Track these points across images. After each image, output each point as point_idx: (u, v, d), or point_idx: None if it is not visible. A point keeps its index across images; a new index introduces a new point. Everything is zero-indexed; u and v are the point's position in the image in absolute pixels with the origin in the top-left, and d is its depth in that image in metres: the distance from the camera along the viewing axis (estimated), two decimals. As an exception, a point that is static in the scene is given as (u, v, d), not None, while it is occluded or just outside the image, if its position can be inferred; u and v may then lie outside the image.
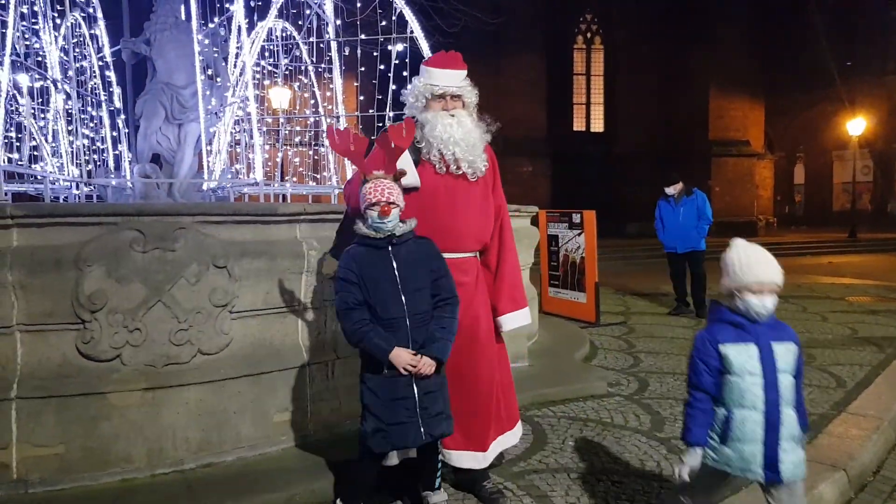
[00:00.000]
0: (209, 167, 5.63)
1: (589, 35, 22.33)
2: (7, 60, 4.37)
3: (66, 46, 5.72)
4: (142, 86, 5.64)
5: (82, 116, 5.82)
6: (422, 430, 2.15)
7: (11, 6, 4.55)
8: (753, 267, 1.85)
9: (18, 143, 5.58)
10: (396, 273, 2.17)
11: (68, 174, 5.40)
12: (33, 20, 5.55)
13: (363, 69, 6.32)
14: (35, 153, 5.70)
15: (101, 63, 5.97)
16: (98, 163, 5.99)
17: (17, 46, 5.06)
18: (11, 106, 5.51)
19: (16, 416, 2.45)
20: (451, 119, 2.49)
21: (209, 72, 5.60)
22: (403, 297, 2.16)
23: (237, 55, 5.66)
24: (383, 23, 5.95)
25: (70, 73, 5.69)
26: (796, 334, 1.93)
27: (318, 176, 8.76)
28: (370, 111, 6.25)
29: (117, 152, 6.05)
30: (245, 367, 2.76)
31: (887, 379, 4.20)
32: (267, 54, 6.93)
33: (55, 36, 5.59)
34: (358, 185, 2.50)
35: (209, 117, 5.34)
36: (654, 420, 3.48)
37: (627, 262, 13.01)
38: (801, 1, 21.00)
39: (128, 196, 5.46)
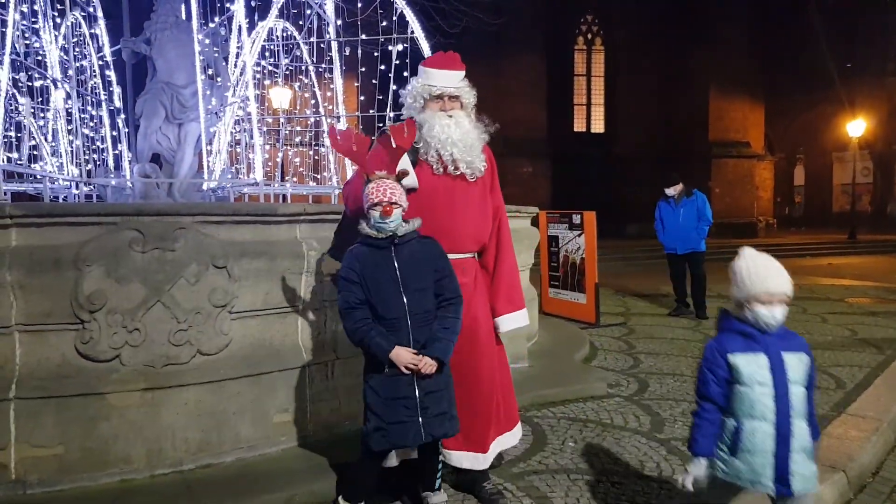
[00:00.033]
0: (209, 167, 5.62)
1: (589, 36, 22.35)
2: (7, 59, 4.37)
3: (66, 45, 5.71)
4: (142, 85, 5.63)
5: (82, 116, 5.81)
6: (422, 430, 2.15)
7: (11, 5, 4.54)
8: (762, 277, 1.82)
9: (18, 143, 5.57)
10: (398, 273, 2.17)
11: (68, 174, 5.39)
12: (33, 19, 5.54)
13: (364, 69, 6.31)
14: (34, 152, 5.69)
15: (101, 62, 5.96)
16: (98, 162, 5.98)
17: (16, 45, 5.05)
18: (11, 105, 5.50)
19: (14, 416, 2.44)
20: (449, 120, 2.49)
21: (209, 71, 5.60)
22: (404, 297, 2.17)
23: (238, 55, 5.66)
24: (384, 23, 5.95)
25: (70, 72, 5.68)
26: (808, 345, 1.90)
27: (319, 176, 8.75)
28: (371, 111, 6.25)
29: (117, 152, 6.04)
30: (244, 367, 2.76)
31: (887, 380, 4.20)
32: (267, 54, 6.93)
33: (55, 35, 5.58)
34: (356, 186, 2.51)
35: (209, 117, 5.33)
36: (653, 421, 3.47)
37: (627, 263, 13.01)
38: (801, 2, 21.02)
39: (127, 196, 5.46)
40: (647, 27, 20.38)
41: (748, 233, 19.73)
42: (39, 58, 5.62)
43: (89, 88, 6.04)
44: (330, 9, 6.20)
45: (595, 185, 18.59)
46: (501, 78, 18.97)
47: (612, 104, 21.91)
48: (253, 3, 6.12)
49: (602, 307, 6.46)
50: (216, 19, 5.96)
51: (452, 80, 2.54)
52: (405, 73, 4.94)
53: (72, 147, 5.50)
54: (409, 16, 5.69)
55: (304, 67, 7.04)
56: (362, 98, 6.86)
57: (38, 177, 5.26)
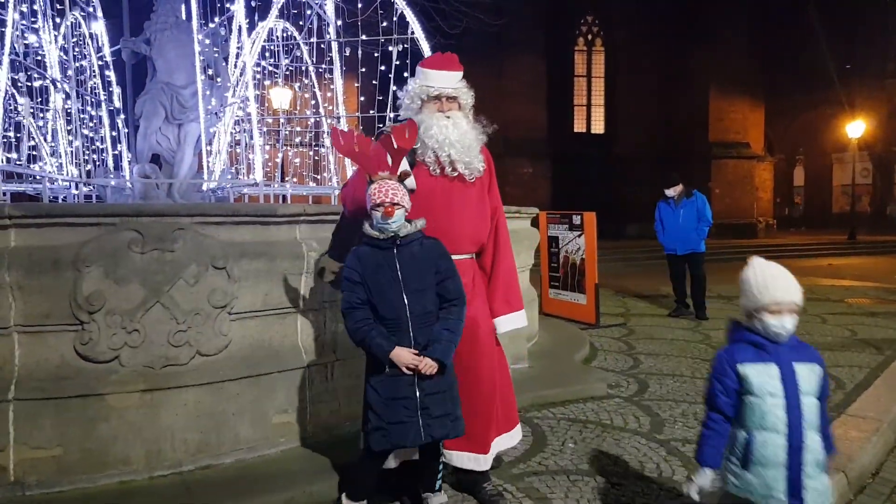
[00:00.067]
0: (209, 167, 5.62)
1: (590, 37, 22.36)
2: (6, 59, 4.36)
3: (65, 45, 5.71)
4: (142, 85, 5.63)
5: (81, 116, 5.81)
6: (421, 430, 2.15)
7: (11, 5, 4.54)
8: (770, 287, 1.79)
9: (17, 143, 5.57)
10: (399, 273, 2.17)
11: (67, 174, 5.39)
12: (33, 19, 5.54)
13: (364, 70, 6.31)
14: (34, 153, 5.68)
15: (100, 62, 5.96)
16: (97, 163, 5.98)
17: (16, 45, 5.04)
18: (10, 105, 5.50)
19: (13, 417, 2.43)
20: (447, 121, 2.49)
21: (209, 72, 5.60)
22: (405, 298, 2.17)
23: (238, 55, 5.65)
24: (384, 24, 5.95)
25: (69, 72, 5.67)
26: (821, 356, 1.87)
27: (319, 177, 8.74)
28: (371, 112, 6.24)
29: (116, 152, 6.04)
30: (244, 368, 2.75)
31: (886, 381, 4.20)
32: (267, 54, 6.93)
33: (55, 35, 5.57)
34: (354, 187, 2.51)
35: (209, 117, 5.33)
36: (653, 422, 3.47)
37: (627, 264, 13.01)
38: (802, 2, 21.03)
39: (127, 196, 5.45)
40: (647, 27, 20.38)
41: (748, 233, 19.74)
42: (39, 58, 5.62)
43: (89, 89, 6.03)
44: (330, 9, 6.20)
45: (595, 186, 18.60)
46: (502, 78, 18.98)
47: (612, 104, 21.92)
48: (253, 4, 6.12)
49: (602, 308, 6.46)
50: (216, 19, 5.95)
51: (450, 80, 2.53)
52: (405, 74, 4.94)
53: (71, 147, 5.49)
54: (410, 16, 5.69)
55: (304, 68, 7.04)
56: (362, 99, 6.86)
57: (38, 177, 5.25)
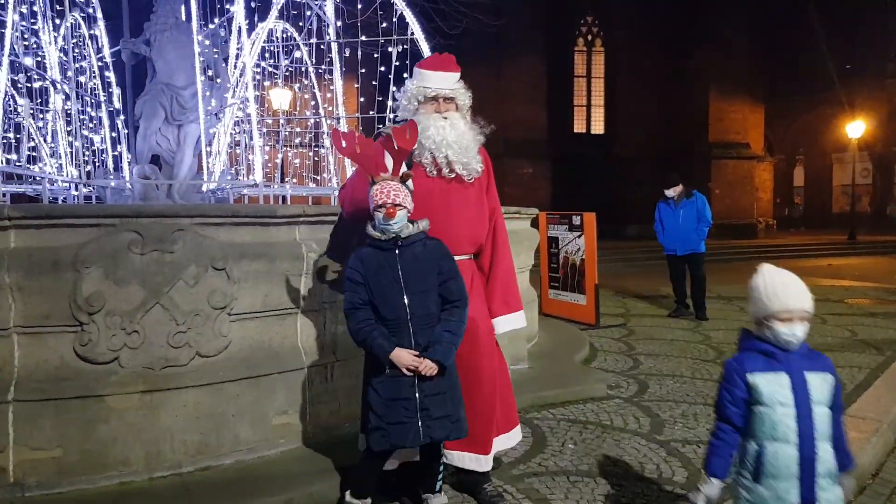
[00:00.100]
0: (209, 168, 5.62)
1: (590, 37, 22.35)
2: (6, 61, 4.36)
3: (65, 47, 5.71)
4: (141, 86, 5.63)
5: (81, 117, 5.81)
6: (420, 431, 2.16)
7: (10, 6, 4.54)
8: (781, 294, 1.75)
9: (17, 144, 5.57)
10: (400, 274, 2.18)
11: (67, 175, 5.39)
12: (32, 20, 5.54)
13: (364, 71, 6.31)
14: (34, 154, 5.68)
15: (100, 63, 5.96)
16: (97, 164, 5.98)
17: (15, 46, 5.04)
18: (10, 106, 5.50)
19: (13, 418, 2.43)
20: (444, 122, 2.49)
21: (209, 73, 5.60)
22: (406, 299, 2.17)
23: (237, 56, 5.65)
24: (384, 24, 5.95)
25: (69, 73, 5.67)
26: (833, 365, 1.84)
27: (319, 177, 8.74)
28: (371, 113, 6.24)
29: (116, 153, 6.04)
30: (244, 369, 2.75)
31: (886, 381, 4.20)
32: (267, 55, 6.93)
33: (55, 36, 5.57)
34: (353, 188, 2.51)
35: (209, 118, 5.33)
36: (653, 422, 3.47)
37: (627, 264, 13.01)
38: (801, 3, 21.04)
39: (127, 197, 5.45)
40: (647, 27, 20.38)
41: (748, 234, 19.74)
42: (39, 59, 5.62)
43: (89, 90, 6.03)
44: (330, 10, 6.20)
45: (595, 186, 18.58)
46: (501, 79, 18.98)
47: (612, 105, 21.91)
48: (253, 5, 6.12)
49: (602, 308, 6.46)
50: (216, 20, 5.96)
51: (447, 81, 2.53)
52: (405, 75, 4.93)
53: (71, 148, 5.49)
54: (409, 17, 5.69)
55: (303, 69, 7.04)
56: (362, 99, 6.86)
57: (38, 178, 5.25)
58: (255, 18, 6.07)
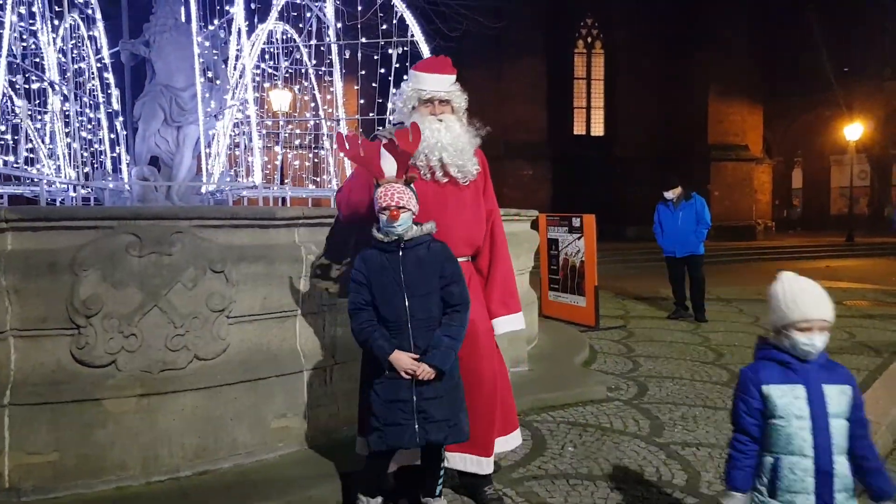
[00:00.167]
0: (208, 170, 5.60)
1: (589, 39, 22.38)
2: (3, 62, 4.35)
3: (64, 48, 5.70)
4: (140, 88, 5.62)
5: (80, 118, 5.79)
6: (417, 433, 2.15)
7: (9, 7, 4.53)
8: (799, 303, 1.71)
9: (15, 145, 5.55)
10: (401, 276, 2.18)
11: (65, 177, 5.37)
12: (31, 21, 5.53)
13: (364, 72, 6.31)
14: (32, 155, 5.67)
15: (99, 64, 5.94)
16: (95, 165, 5.96)
17: (14, 47, 5.03)
18: (8, 107, 5.48)
19: (9, 422, 2.42)
20: (440, 124, 2.48)
21: (209, 74, 5.59)
22: (407, 301, 2.17)
23: (237, 57, 5.65)
24: (384, 26, 5.94)
25: (68, 74, 5.66)
26: (853, 376, 1.80)
27: (318, 179, 8.74)
28: (371, 114, 6.24)
29: (115, 155, 6.02)
30: (242, 372, 2.74)
31: (885, 383, 4.19)
32: (267, 57, 6.92)
33: (53, 37, 5.56)
34: (350, 191, 2.51)
35: (208, 120, 5.32)
36: (653, 425, 3.46)
37: (627, 266, 13.00)
38: (801, 4, 21.08)
39: (125, 199, 5.44)
40: (646, 28, 20.40)
41: (747, 236, 19.75)
42: (37, 60, 5.61)
43: (87, 91, 6.02)
44: (330, 11, 6.20)
45: (595, 188, 18.59)
46: (501, 81, 19.01)
47: (611, 105, 21.94)
48: (253, 6, 6.12)
49: (601, 310, 6.45)
50: (216, 22, 5.95)
51: (443, 83, 2.53)
52: (405, 77, 4.93)
53: (69, 150, 5.48)
54: (409, 19, 5.68)
55: (303, 70, 7.03)
56: (362, 101, 6.86)
57: (35, 180, 5.24)
58: (255, 20, 6.07)
